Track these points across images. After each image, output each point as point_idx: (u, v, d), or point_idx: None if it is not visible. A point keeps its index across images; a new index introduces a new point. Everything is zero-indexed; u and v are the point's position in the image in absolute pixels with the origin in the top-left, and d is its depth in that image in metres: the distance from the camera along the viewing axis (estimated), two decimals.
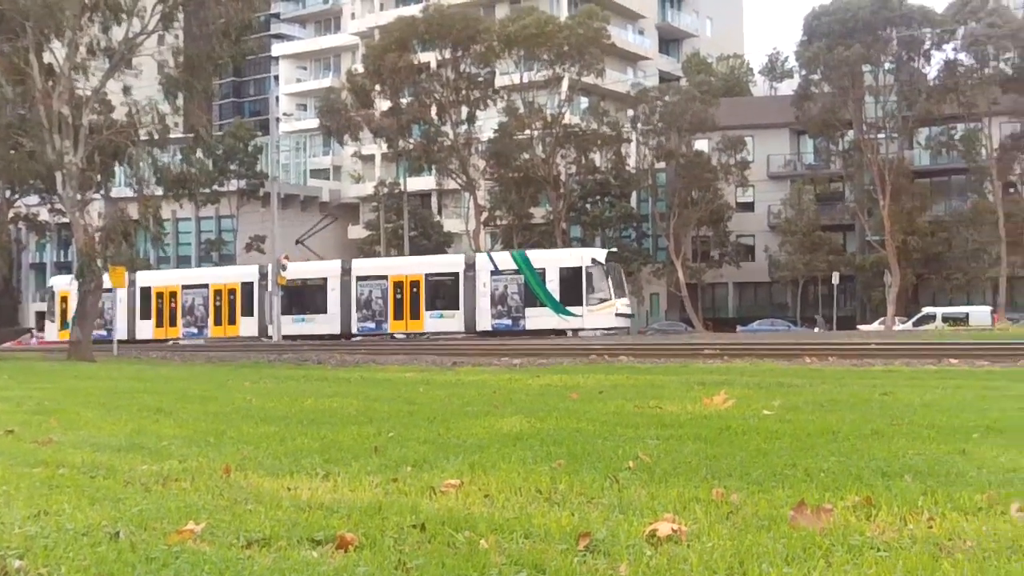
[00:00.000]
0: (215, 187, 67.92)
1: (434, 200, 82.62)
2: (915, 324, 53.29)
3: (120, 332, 51.14)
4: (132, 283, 52.35)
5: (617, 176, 68.07)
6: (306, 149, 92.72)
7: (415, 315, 48.90)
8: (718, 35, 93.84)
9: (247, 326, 52.14)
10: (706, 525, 4.85)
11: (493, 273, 47.95)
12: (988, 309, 54.59)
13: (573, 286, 46.29)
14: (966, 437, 8.04)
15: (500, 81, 68.39)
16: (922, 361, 22.43)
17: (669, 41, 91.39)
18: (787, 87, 68.01)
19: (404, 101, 67.81)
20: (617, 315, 46.13)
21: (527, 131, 66.58)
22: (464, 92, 67.11)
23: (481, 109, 67.38)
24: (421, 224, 74.14)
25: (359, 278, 50.12)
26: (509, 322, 47.10)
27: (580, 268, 46.35)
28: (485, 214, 69.27)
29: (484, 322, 47.51)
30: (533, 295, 46.99)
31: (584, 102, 71.76)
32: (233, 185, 76.19)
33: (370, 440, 8.42)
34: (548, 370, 20.68)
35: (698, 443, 7.85)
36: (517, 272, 47.61)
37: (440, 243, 72.83)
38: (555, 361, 25.77)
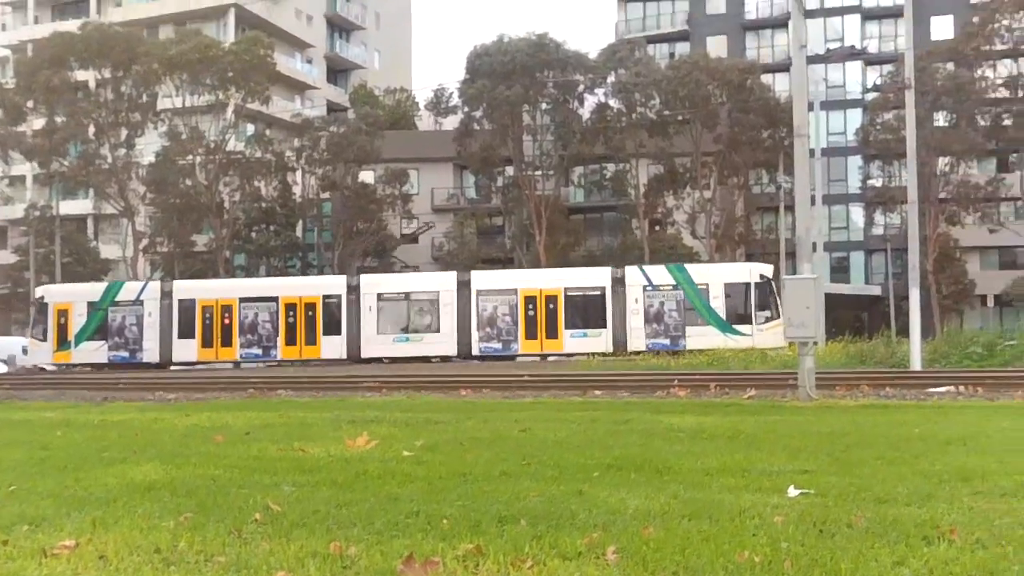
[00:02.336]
0: None
1: (91, 225, 78.87)
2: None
3: (150, 354, 46.56)
4: (167, 294, 47.86)
5: (283, 205, 67.40)
6: None
7: (552, 334, 44.98)
8: (386, 68, 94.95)
9: (331, 347, 46.34)
10: None
11: (647, 288, 44.71)
12: None
13: (741, 303, 44.05)
14: (588, 476, 8.50)
15: (163, 104, 66.30)
16: (569, 393, 23.48)
17: (338, 71, 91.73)
18: (451, 122, 69.66)
19: (59, 120, 64.49)
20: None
21: (190, 156, 64.80)
22: (124, 114, 64.66)
23: (139, 135, 65.07)
24: (76, 250, 70.49)
25: (480, 292, 45.60)
26: (667, 342, 43.97)
27: (748, 284, 44.09)
28: (145, 241, 66.77)
29: (637, 342, 44.18)
30: (695, 312, 44.25)
31: (251, 129, 70.71)
32: None
33: None
34: (201, 406, 20.19)
35: (332, 489, 7.93)
36: (675, 287, 44.66)
37: (96, 270, 69.44)
38: (212, 395, 25.21)
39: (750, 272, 45.10)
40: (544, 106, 63.22)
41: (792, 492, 7.44)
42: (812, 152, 45.90)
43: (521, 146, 63.27)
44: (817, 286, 21.25)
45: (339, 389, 26.72)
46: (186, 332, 47.15)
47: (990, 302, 66.43)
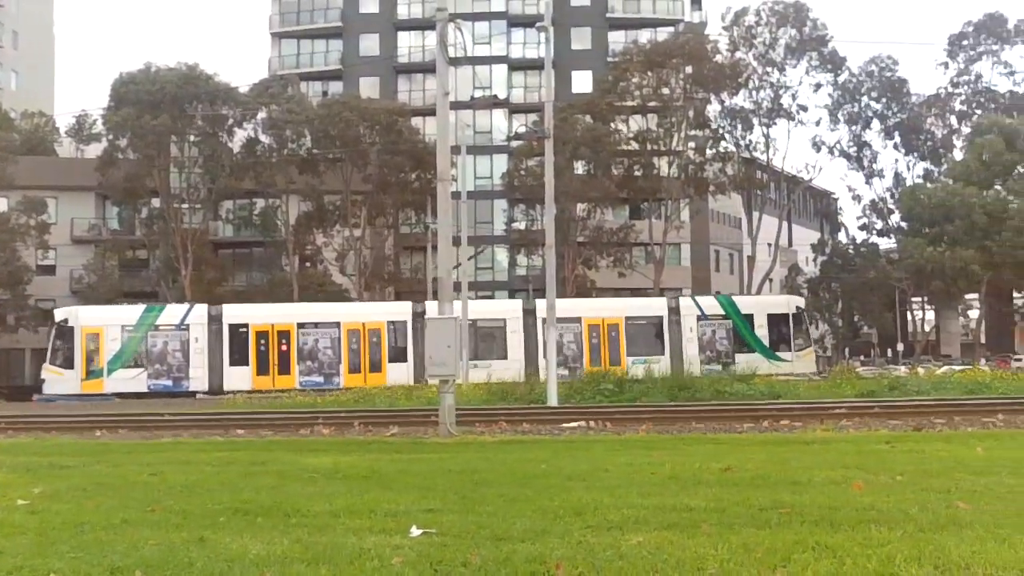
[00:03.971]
0: None
1: None
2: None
3: (198, 382, 42.47)
4: (215, 319, 45.32)
5: None
6: None
7: (615, 360, 45.38)
8: (24, 90, 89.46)
9: (397, 373, 44.09)
10: None
11: (700, 318, 47.50)
12: None
13: (782, 332, 47.57)
14: (213, 521, 8.33)
15: None
16: (211, 432, 22.87)
17: None
18: (94, 150, 66.53)
19: None
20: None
21: None
22: None
23: None
24: None
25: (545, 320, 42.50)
26: (719, 367, 44.44)
27: (788, 315, 47.81)
28: None
29: (693, 367, 44.09)
30: (743, 340, 47.14)
31: None
32: None
33: None
34: None
35: None
36: (725, 317, 47.74)
37: None
38: None
39: (788, 303, 49.50)
40: (192, 138, 61.71)
41: (415, 532, 7.59)
42: (459, 194, 47.32)
43: (168, 177, 61.41)
44: (458, 326, 21.86)
45: None
46: (239, 359, 44.84)
47: None
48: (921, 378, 38.82)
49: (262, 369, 45.48)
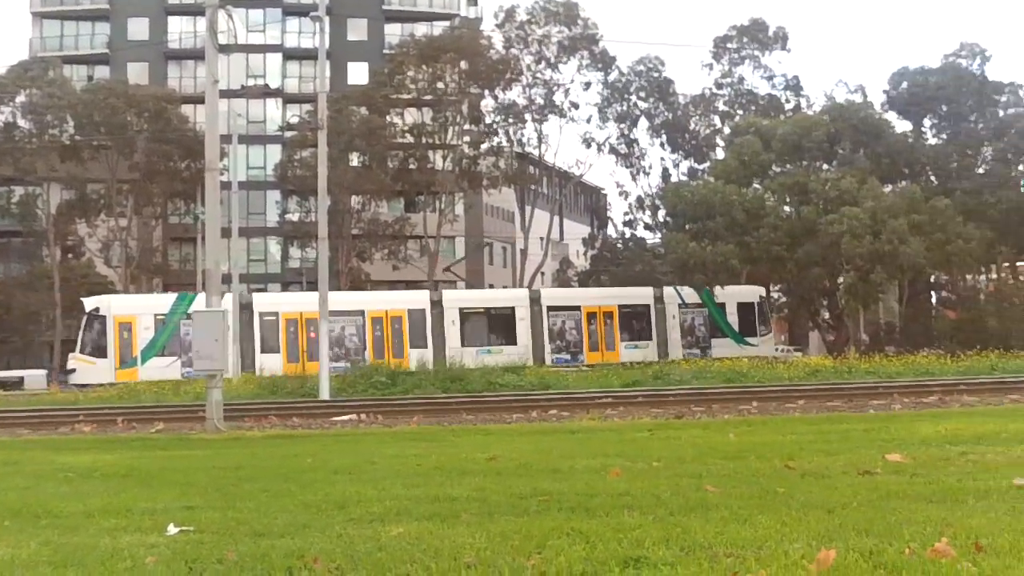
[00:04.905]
0: None
1: None
2: None
3: (230, 368, 36.29)
4: (246, 307, 45.13)
5: None
6: None
7: (610, 346, 49.74)
8: None
9: (417, 360, 43.14)
10: None
11: (681, 306, 50.91)
12: (44, 372, 54.48)
13: (750, 319, 51.25)
14: None
15: None
16: None
17: None
18: None
19: None
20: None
21: None
22: None
23: None
24: None
25: (550, 308, 49.41)
26: (698, 352, 49.29)
27: (754, 304, 51.43)
28: None
29: (676, 351, 49.24)
30: (717, 327, 50.83)
31: None
32: None
33: None
34: None
35: None
36: (701, 306, 51.14)
37: None
38: None
39: (754, 293, 52.22)
40: None
41: (172, 530, 7.45)
42: (230, 185, 46.41)
43: None
44: (225, 319, 21.45)
45: None
46: (270, 346, 45.09)
47: None
48: (684, 368, 40.51)
49: (292, 356, 45.49)
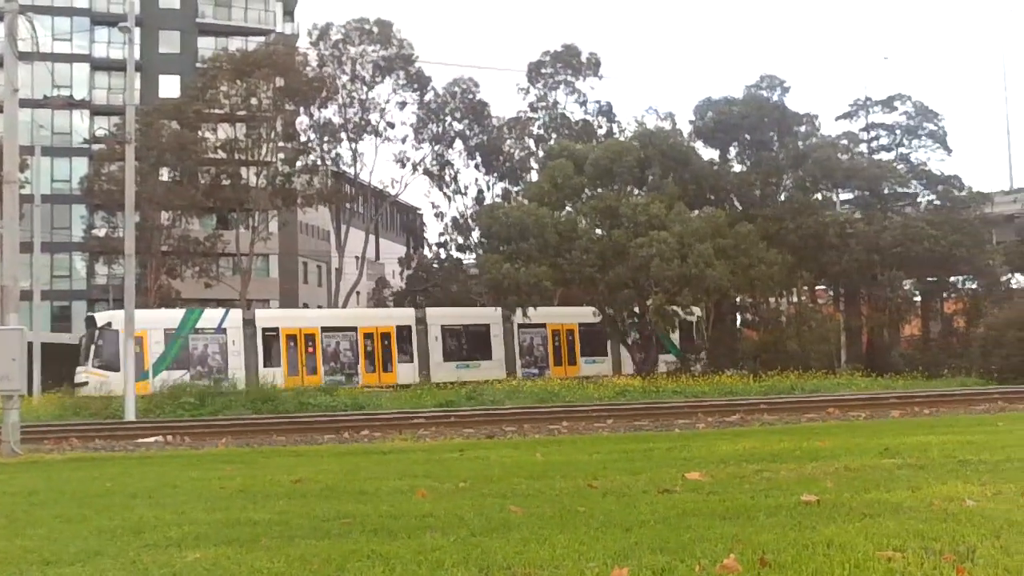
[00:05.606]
0: None
1: None
2: None
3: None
4: (248, 323, 47.73)
5: None
6: None
7: (572, 361, 53.29)
8: None
9: (405, 373, 49.09)
10: None
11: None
12: None
13: (689, 337, 53.82)
14: None
15: None
16: None
17: None
18: None
19: None
20: None
21: None
22: None
23: None
24: None
25: (520, 326, 51.72)
26: (648, 367, 50.36)
27: (693, 322, 52.88)
28: None
29: (628, 367, 51.85)
30: (661, 345, 52.21)
31: None
32: None
33: None
34: None
35: None
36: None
37: None
38: None
39: (693, 311, 52.25)
40: None
41: None
42: (32, 198, 44.69)
43: None
44: (24, 337, 20.63)
45: None
46: (272, 360, 46.92)
47: None
48: (497, 388, 40.92)
49: (292, 370, 47.40)
